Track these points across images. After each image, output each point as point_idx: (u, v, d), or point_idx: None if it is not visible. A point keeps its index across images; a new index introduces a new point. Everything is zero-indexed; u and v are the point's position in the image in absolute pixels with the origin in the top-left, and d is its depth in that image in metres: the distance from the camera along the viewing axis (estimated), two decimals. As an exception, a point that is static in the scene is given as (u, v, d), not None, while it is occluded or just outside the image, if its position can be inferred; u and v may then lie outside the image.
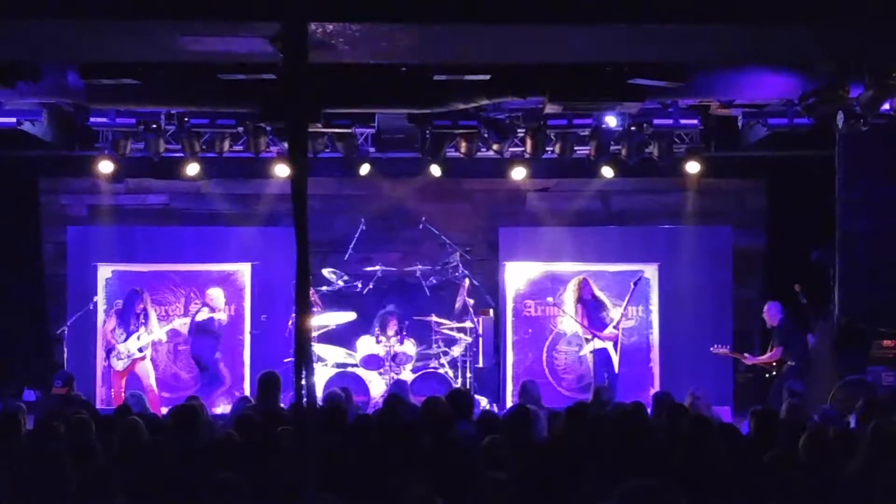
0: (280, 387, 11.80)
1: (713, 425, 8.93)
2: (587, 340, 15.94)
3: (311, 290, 15.61)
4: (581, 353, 16.38)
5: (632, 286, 16.18)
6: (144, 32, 9.84)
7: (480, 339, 16.86)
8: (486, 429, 9.22)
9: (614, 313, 16.01)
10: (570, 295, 16.17)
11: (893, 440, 7.81)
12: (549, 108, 14.21)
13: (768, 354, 15.45)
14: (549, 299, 16.75)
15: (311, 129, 14.66)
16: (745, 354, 15.94)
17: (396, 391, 13.37)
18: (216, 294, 16.27)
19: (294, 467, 7.74)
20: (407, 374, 16.03)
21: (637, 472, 7.63)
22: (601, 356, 15.75)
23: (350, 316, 16.64)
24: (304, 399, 4.39)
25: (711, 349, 15.88)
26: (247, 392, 16.01)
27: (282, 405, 11.91)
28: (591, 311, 15.95)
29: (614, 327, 15.84)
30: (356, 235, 17.23)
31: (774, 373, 15.28)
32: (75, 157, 16.94)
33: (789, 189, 17.62)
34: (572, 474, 7.80)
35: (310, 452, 4.58)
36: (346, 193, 18.23)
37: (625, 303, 16.08)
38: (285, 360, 15.52)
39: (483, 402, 15.47)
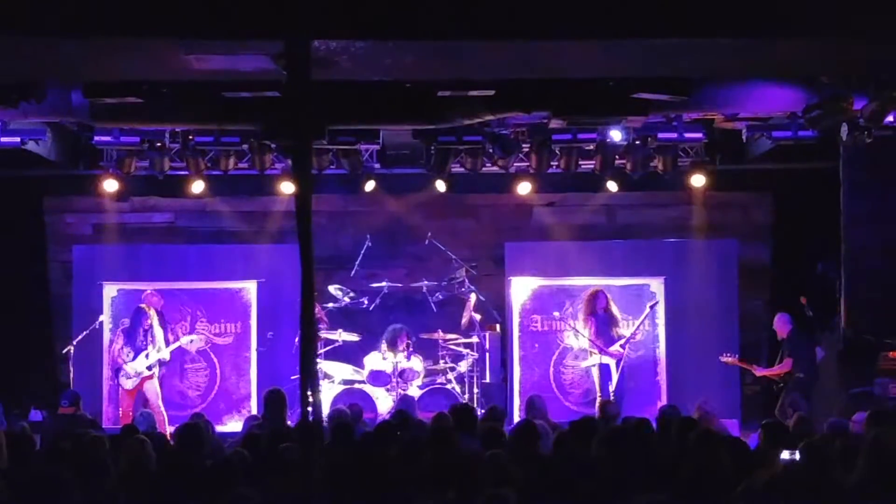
0: (286, 403, 11.81)
1: (720, 439, 8.91)
2: (591, 354, 15.92)
3: (317, 307, 15.72)
4: (584, 365, 16.34)
5: (647, 309, 16.24)
6: (148, 51, 9.84)
7: (487, 355, 16.86)
8: (492, 444, 9.21)
9: (625, 330, 16.02)
10: (582, 306, 16.19)
11: (892, 451, 7.80)
12: (554, 123, 14.25)
13: (778, 366, 15.42)
14: (556, 314, 16.73)
15: (315, 146, 14.68)
16: (755, 366, 15.90)
17: (403, 407, 13.37)
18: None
19: (301, 484, 7.75)
20: (414, 390, 16.01)
21: (644, 488, 7.63)
22: (601, 372, 15.73)
23: (353, 337, 16.62)
24: (311, 416, 4.39)
25: (721, 358, 15.87)
26: (254, 409, 16.04)
27: (289, 422, 11.91)
28: (601, 324, 15.91)
29: (621, 346, 15.80)
30: (362, 252, 17.22)
31: (782, 385, 15.26)
32: (80, 175, 16.95)
33: (794, 202, 17.61)
34: (578, 490, 7.79)
35: (316, 469, 4.58)
36: (351, 210, 18.23)
37: (637, 323, 16.12)
38: (292, 378, 15.52)
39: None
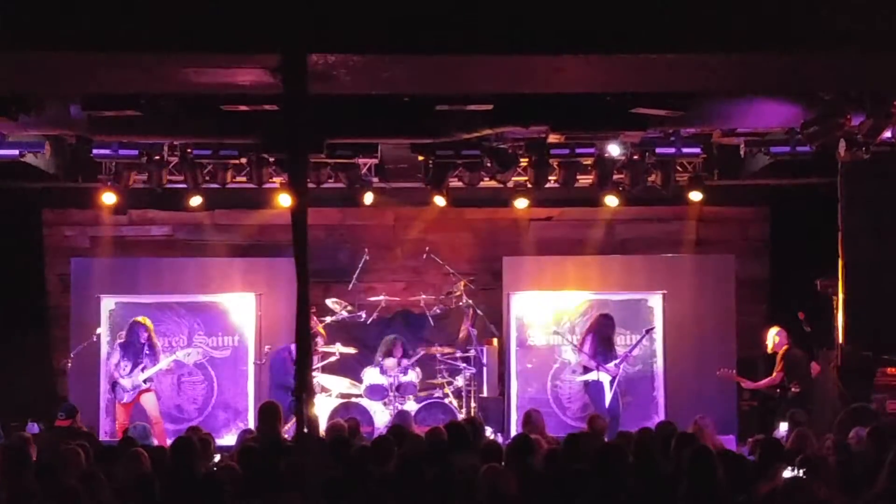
0: (280, 416, 11.78)
1: (717, 454, 8.90)
2: (585, 370, 15.85)
3: (315, 321, 15.72)
4: (578, 380, 16.28)
5: (644, 332, 16.27)
6: (147, 64, 9.85)
7: (485, 369, 16.84)
8: (489, 459, 9.20)
9: (621, 349, 16.01)
10: (587, 324, 16.16)
11: None
12: (552, 138, 14.23)
13: (768, 379, 15.45)
14: (554, 328, 16.73)
15: (313, 160, 14.70)
16: (745, 380, 15.92)
17: (400, 421, 13.35)
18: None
19: (296, 498, 7.74)
20: (411, 404, 16.00)
21: (641, 502, 7.63)
22: (594, 388, 15.67)
23: (350, 350, 16.62)
24: (306, 430, 4.40)
25: (718, 372, 15.88)
26: (251, 422, 16.01)
27: (285, 435, 11.89)
28: (600, 342, 15.83)
29: (616, 364, 15.73)
30: (360, 265, 17.22)
31: (776, 400, 15.27)
32: (78, 188, 16.94)
33: (792, 217, 17.61)
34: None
35: (312, 483, 4.58)
36: (349, 223, 18.26)
37: (633, 346, 16.15)
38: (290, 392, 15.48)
39: (487, 431, 15.41)
